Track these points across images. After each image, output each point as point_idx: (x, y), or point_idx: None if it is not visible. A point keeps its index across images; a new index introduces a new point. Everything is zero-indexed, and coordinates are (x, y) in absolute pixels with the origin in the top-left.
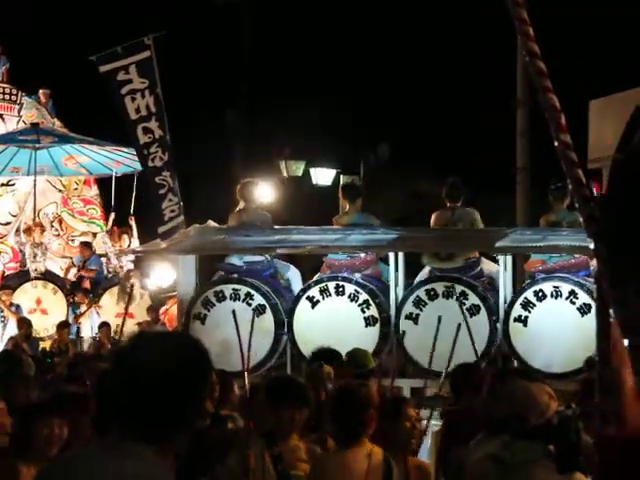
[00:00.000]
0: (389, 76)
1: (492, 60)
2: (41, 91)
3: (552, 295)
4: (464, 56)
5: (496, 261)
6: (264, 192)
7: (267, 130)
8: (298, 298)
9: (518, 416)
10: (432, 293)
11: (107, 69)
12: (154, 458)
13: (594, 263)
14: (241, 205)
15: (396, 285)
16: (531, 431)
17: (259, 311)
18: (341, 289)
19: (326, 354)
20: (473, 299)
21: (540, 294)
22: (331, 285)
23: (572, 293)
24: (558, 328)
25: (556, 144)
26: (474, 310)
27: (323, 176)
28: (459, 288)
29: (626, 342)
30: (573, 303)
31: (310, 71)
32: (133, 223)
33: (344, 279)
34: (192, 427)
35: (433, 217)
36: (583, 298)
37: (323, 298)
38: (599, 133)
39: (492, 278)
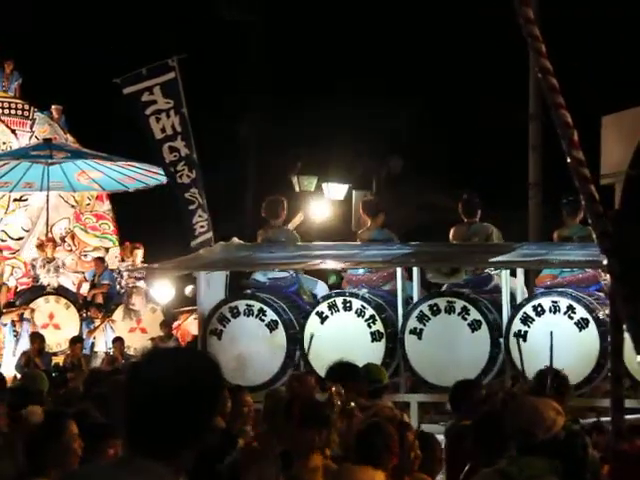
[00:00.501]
0: (400, 90)
1: (504, 73)
2: (54, 107)
3: (551, 310)
4: (476, 68)
5: (515, 276)
6: (317, 210)
7: (280, 146)
8: (308, 314)
9: (524, 432)
10: (435, 308)
11: (131, 91)
12: (168, 475)
13: (607, 278)
14: (269, 222)
15: (405, 300)
16: (538, 446)
17: (272, 327)
18: (348, 304)
19: (343, 369)
20: (474, 314)
21: (539, 309)
22: (339, 300)
23: (570, 308)
24: (557, 343)
25: (569, 160)
26: (475, 325)
27: (335, 191)
28: (460, 303)
29: (639, 359)
30: (571, 318)
31: (321, 86)
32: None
33: (351, 294)
34: (202, 443)
35: (451, 232)
36: (581, 313)
37: (332, 313)
38: (611, 149)
39: (511, 293)
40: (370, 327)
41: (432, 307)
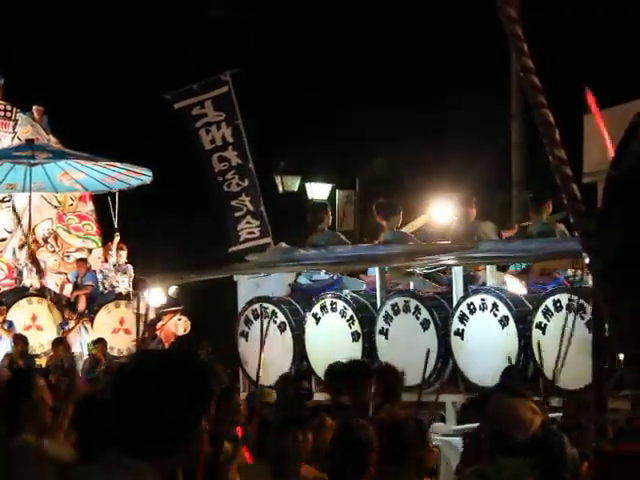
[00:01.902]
0: (382, 91)
1: (487, 72)
2: (35, 107)
3: (480, 308)
4: (459, 69)
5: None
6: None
7: (263, 145)
8: (306, 314)
9: (502, 434)
10: (395, 308)
11: (182, 105)
12: (152, 476)
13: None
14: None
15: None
16: (516, 447)
17: (281, 328)
18: (334, 305)
19: (340, 369)
20: (424, 313)
21: (472, 307)
22: (327, 302)
23: (494, 305)
24: (484, 341)
25: (551, 159)
26: (426, 325)
27: (319, 191)
28: (414, 302)
29: (622, 356)
30: (495, 315)
31: (306, 86)
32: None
33: (336, 296)
34: (191, 445)
35: (450, 232)
36: (503, 310)
37: (323, 314)
38: (594, 147)
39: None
40: (350, 327)
41: (394, 307)
